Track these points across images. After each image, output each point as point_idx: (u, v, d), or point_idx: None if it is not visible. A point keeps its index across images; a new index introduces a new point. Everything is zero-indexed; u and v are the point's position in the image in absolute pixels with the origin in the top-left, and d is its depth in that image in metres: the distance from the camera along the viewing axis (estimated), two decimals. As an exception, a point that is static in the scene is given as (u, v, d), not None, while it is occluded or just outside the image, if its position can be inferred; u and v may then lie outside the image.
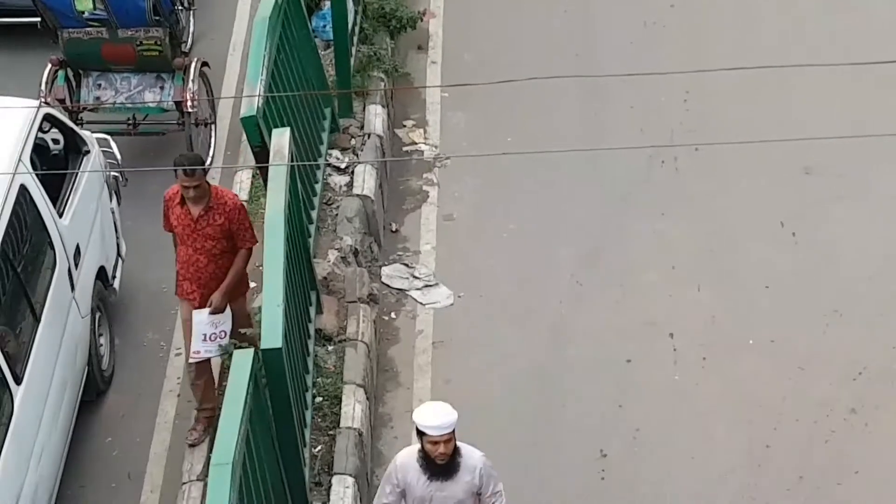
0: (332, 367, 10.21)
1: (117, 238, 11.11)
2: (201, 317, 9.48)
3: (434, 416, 7.72)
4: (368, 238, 11.56)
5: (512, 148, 11.78)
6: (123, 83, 12.19)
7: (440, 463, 7.77)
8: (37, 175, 9.76)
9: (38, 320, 9.37)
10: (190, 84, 12.01)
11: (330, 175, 11.85)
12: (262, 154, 10.09)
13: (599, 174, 12.08)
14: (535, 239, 11.79)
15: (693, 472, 9.86)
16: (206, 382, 9.81)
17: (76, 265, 10.07)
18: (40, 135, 10.26)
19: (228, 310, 9.57)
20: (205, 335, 9.48)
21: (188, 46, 13.02)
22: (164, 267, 10.75)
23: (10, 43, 13.40)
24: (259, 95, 10.09)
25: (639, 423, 10.23)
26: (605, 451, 10.04)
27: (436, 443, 7.70)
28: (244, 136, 10.58)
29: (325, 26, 12.57)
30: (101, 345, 10.50)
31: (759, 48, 13.16)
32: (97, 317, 10.41)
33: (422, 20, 13.82)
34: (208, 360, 9.74)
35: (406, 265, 11.63)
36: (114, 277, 10.94)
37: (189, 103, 11.95)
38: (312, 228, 10.95)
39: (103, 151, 11.05)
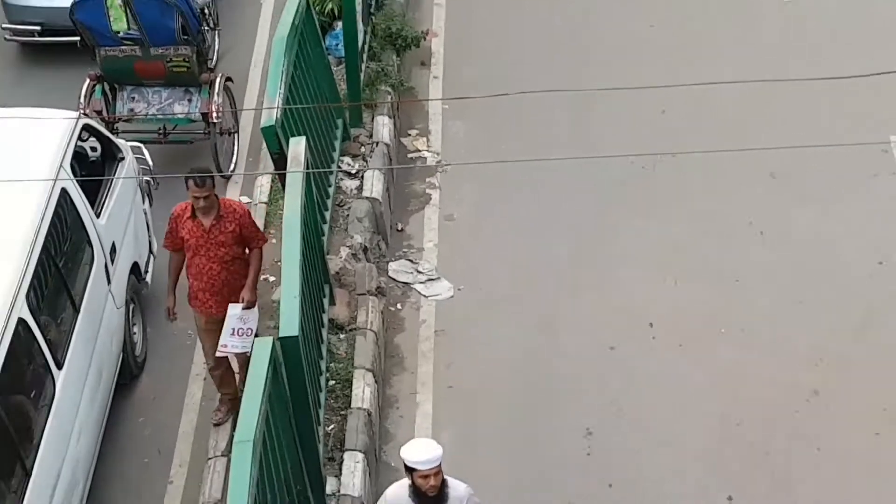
0: (344, 354, 10.20)
1: (149, 236, 11.10)
2: (235, 311, 9.39)
3: (422, 452, 7.54)
4: (376, 236, 11.54)
5: (507, 155, 11.76)
6: (155, 96, 12.18)
7: (431, 495, 7.58)
8: (76, 180, 9.76)
9: (77, 311, 9.36)
10: (215, 97, 12.00)
11: (342, 180, 11.84)
12: (280, 161, 10.03)
13: (587, 179, 12.05)
14: (528, 237, 11.77)
15: (670, 448, 9.85)
16: (223, 371, 9.79)
17: (112, 261, 10.07)
18: (79, 143, 10.23)
19: (257, 309, 9.51)
20: (234, 329, 9.40)
21: (213, 63, 12.98)
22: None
23: (52, 60, 13.41)
24: (277, 107, 10.05)
25: (621, 403, 10.22)
26: (590, 429, 10.03)
27: (426, 476, 7.50)
28: (264, 145, 10.54)
29: (337, 45, 12.56)
30: (135, 333, 10.50)
31: (736, 60, 13.23)
32: (131, 308, 10.41)
33: (425, 39, 13.80)
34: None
35: (411, 261, 11.61)
36: (146, 272, 10.93)
37: (214, 114, 11.94)
38: (326, 228, 10.95)
39: (136, 158, 11.05)
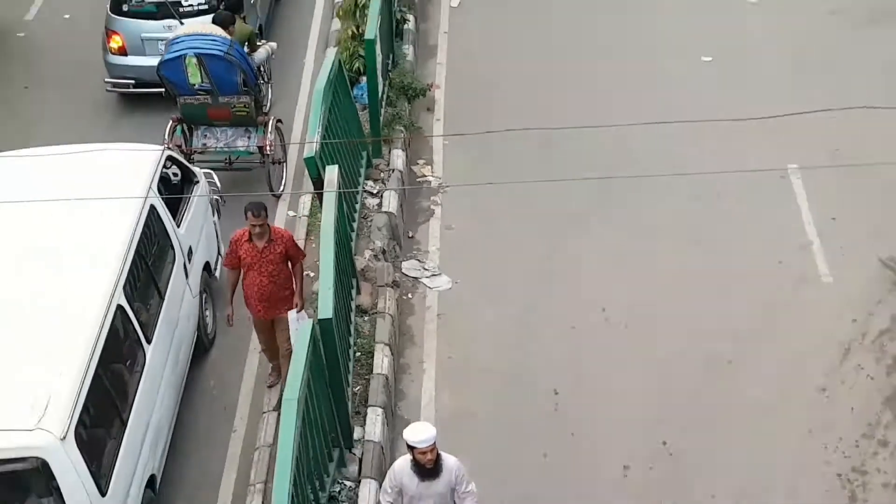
0: (367, 332, 10.21)
1: (217, 242, 11.11)
2: (292, 315, 9.47)
3: (420, 433, 7.50)
4: (392, 242, 11.53)
5: (495, 179, 11.54)
6: (222, 134, 12.16)
7: (428, 467, 7.58)
8: (162, 198, 9.82)
9: (162, 299, 9.41)
10: (269, 135, 12.00)
11: (366, 198, 11.82)
12: (318, 183, 10.08)
13: (558, 197, 11.87)
14: (511, 241, 11.70)
15: (620, 406, 9.86)
16: (270, 350, 9.85)
17: (189, 260, 10.10)
18: (164, 170, 10.29)
19: (304, 312, 9.52)
20: (295, 329, 9.44)
21: (267, 108, 12.92)
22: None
23: (143, 106, 13.36)
24: (317, 142, 10.09)
25: (582, 370, 10.21)
26: (557, 389, 10.04)
27: (424, 453, 7.49)
28: (306, 171, 10.54)
29: (362, 94, 12.49)
30: (207, 316, 10.51)
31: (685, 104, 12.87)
32: (203, 297, 10.43)
33: (430, 90, 13.73)
34: (274, 340, 9.70)
35: (419, 261, 11.60)
36: (215, 269, 10.95)
37: (268, 148, 11.95)
38: (353, 235, 10.93)
39: (208, 182, 11.08)
